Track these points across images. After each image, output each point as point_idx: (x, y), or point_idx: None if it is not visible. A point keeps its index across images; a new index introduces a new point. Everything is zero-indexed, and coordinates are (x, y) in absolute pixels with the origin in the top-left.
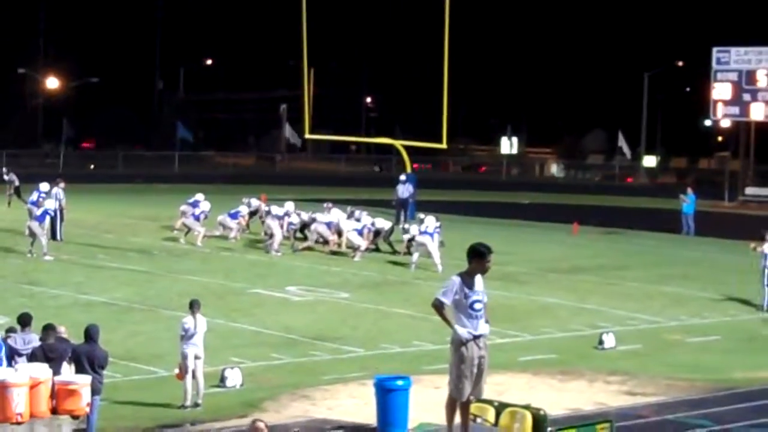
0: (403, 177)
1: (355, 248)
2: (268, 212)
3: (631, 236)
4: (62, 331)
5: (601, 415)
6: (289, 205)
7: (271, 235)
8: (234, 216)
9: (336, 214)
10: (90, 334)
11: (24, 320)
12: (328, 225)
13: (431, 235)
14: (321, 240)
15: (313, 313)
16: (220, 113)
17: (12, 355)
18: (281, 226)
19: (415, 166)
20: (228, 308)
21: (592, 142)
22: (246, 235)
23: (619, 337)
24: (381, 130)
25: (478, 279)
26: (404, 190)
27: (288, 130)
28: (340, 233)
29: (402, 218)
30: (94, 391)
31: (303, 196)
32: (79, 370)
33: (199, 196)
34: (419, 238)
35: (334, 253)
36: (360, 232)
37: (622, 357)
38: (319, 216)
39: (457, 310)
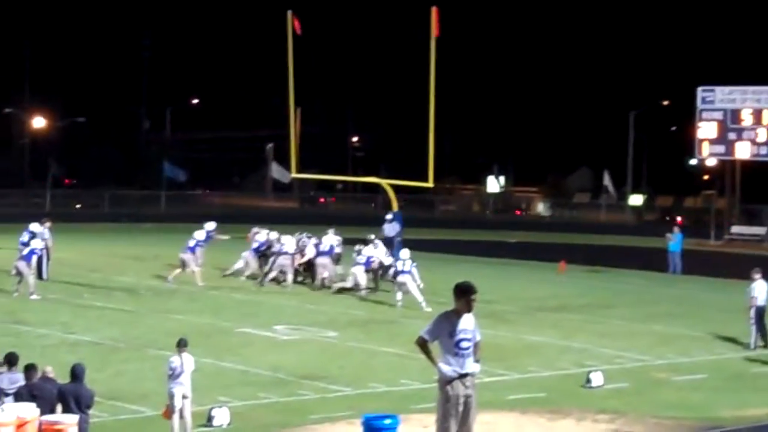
0: (389, 216)
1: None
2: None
3: (617, 274)
4: (49, 371)
5: None
6: (288, 239)
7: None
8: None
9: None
10: (76, 374)
11: (10, 359)
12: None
13: (409, 272)
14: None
15: (301, 352)
16: (206, 152)
17: None
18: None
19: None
20: (215, 347)
21: (578, 180)
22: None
23: (607, 376)
24: (368, 169)
25: (467, 318)
26: (390, 229)
27: (275, 169)
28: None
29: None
30: (81, 431)
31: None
32: (66, 409)
33: (207, 226)
34: (400, 278)
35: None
36: (367, 267)
37: (609, 395)
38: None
39: (443, 348)
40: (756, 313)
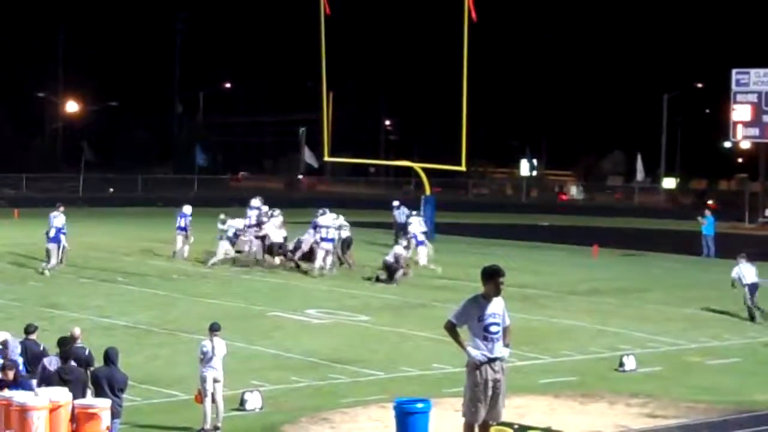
0: (396, 202)
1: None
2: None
3: (651, 258)
4: (77, 333)
5: None
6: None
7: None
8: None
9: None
10: (109, 357)
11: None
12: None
13: (332, 240)
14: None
15: (333, 336)
16: (239, 136)
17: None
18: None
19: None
20: (247, 331)
21: (611, 163)
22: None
23: (640, 360)
24: (400, 152)
25: (496, 302)
26: (400, 215)
27: (307, 153)
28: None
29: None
30: (114, 415)
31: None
32: (99, 393)
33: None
34: (323, 245)
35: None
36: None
37: (642, 379)
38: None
39: (472, 332)
40: None
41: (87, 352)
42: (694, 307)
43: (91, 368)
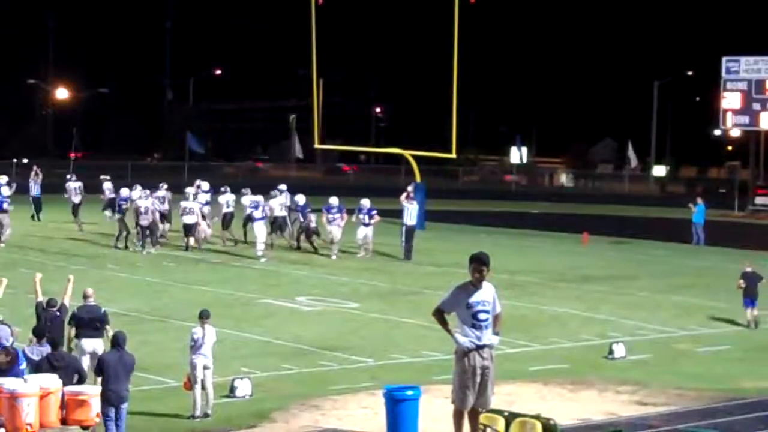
0: (282, 186)
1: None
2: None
3: (640, 246)
4: (89, 292)
5: (612, 424)
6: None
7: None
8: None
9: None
10: (118, 341)
11: (38, 332)
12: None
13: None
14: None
15: (323, 323)
16: (229, 123)
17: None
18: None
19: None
20: (237, 318)
21: (601, 151)
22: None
23: (629, 347)
24: (390, 139)
25: (486, 289)
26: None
27: (297, 144)
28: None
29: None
30: (123, 399)
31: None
32: (110, 379)
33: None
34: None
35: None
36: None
37: (632, 367)
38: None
39: (461, 319)
40: None
41: (102, 311)
42: (683, 294)
43: (108, 329)
